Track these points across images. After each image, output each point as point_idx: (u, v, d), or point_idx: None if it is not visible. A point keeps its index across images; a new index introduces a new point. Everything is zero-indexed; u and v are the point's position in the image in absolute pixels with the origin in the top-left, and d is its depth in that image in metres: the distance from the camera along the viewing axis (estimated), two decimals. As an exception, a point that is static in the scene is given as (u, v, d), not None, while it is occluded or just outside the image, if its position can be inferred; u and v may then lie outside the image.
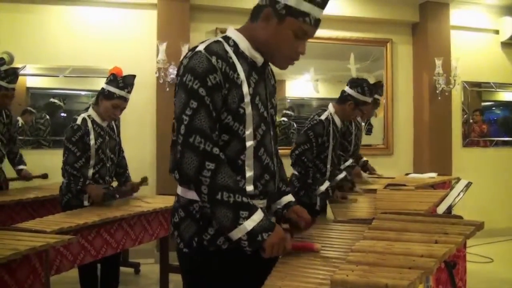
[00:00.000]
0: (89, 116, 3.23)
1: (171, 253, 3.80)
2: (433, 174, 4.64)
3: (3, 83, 3.64)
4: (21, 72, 4.58)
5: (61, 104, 4.99)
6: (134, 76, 3.34)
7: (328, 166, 3.29)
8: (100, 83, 4.85)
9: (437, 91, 5.61)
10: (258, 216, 1.46)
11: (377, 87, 4.17)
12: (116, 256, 3.30)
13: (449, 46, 5.79)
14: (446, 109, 5.80)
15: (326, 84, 5.72)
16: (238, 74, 1.52)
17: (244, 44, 1.58)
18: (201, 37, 5.20)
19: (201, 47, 1.51)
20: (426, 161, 5.74)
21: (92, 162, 3.21)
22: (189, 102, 1.46)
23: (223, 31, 5.36)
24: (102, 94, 3.23)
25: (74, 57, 4.85)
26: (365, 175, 4.33)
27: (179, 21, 4.99)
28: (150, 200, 3.45)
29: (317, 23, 1.56)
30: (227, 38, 1.58)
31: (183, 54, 4.81)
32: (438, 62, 5.51)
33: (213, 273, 1.57)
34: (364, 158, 4.66)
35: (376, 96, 4.19)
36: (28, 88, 4.86)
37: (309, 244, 1.62)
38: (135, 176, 3.66)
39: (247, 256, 1.52)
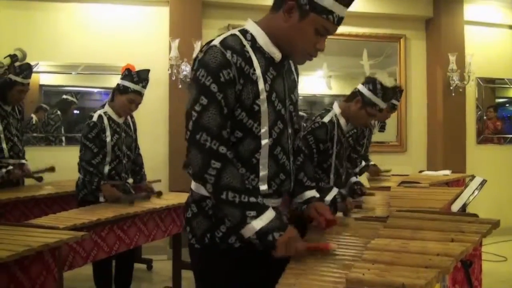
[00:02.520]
0: (105, 113, 3.25)
1: (184, 250, 3.80)
2: (447, 172, 4.60)
3: (19, 79, 3.67)
4: (34, 69, 4.58)
5: (74, 100, 5.01)
6: (148, 71, 3.35)
7: (331, 176, 2.73)
8: (112, 81, 4.90)
9: (451, 88, 5.55)
10: (268, 215, 1.44)
11: (396, 92, 3.96)
12: (130, 253, 3.32)
13: (463, 41, 5.73)
14: (460, 105, 5.74)
15: (339, 81, 5.69)
16: (254, 70, 1.48)
17: (262, 39, 1.53)
18: (213, 33, 5.15)
19: (216, 41, 1.47)
20: (440, 158, 5.68)
21: (108, 158, 3.24)
22: (199, 98, 1.43)
23: (235, 27, 5.28)
24: (117, 90, 3.25)
25: (87, 54, 4.88)
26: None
27: (192, 17, 5.00)
28: (164, 196, 3.45)
29: (340, 21, 1.52)
30: (244, 32, 1.54)
31: (196, 51, 4.81)
32: (452, 58, 5.45)
33: (224, 271, 1.56)
34: (372, 162, 4.58)
35: (394, 101, 4.03)
36: (41, 86, 4.90)
37: (324, 245, 1.57)
38: (149, 173, 3.67)
39: (258, 255, 1.51)
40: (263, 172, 1.53)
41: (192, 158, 1.43)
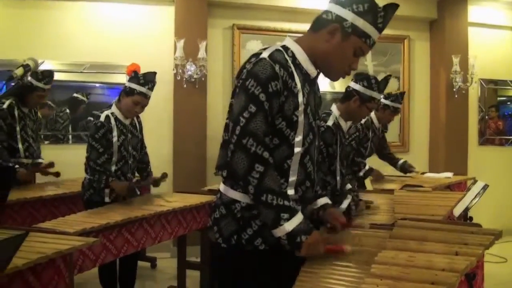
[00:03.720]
0: (112, 113, 3.29)
1: (188, 249, 3.85)
2: (449, 174, 4.63)
3: (40, 84, 3.85)
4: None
5: (84, 99, 5.03)
6: (154, 73, 3.38)
7: (338, 178, 2.77)
8: (117, 80, 4.94)
9: (454, 89, 5.57)
10: (297, 219, 1.56)
11: (388, 81, 4.04)
12: (133, 252, 3.36)
13: (466, 43, 5.74)
14: (462, 107, 5.77)
15: (342, 80, 5.69)
16: (295, 84, 1.61)
17: (301, 56, 1.68)
18: (218, 33, 5.22)
19: (265, 54, 1.60)
20: (442, 159, 5.72)
21: (114, 159, 3.28)
22: (248, 106, 1.55)
23: (240, 27, 5.42)
24: (124, 91, 3.29)
25: (92, 53, 4.89)
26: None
27: (197, 17, 5.01)
28: (169, 198, 3.50)
29: (373, 45, 1.69)
30: (286, 48, 1.67)
31: (201, 50, 4.85)
32: (456, 60, 5.48)
33: (247, 271, 1.66)
34: (402, 160, 4.66)
35: (396, 104, 4.17)
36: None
37: (340, 247, 1.70)
38: (154, 171, 3.72)
39: (282, 259, 1.64)
40: (292, 178, 1.66)
41: (237, 161, 1.54)
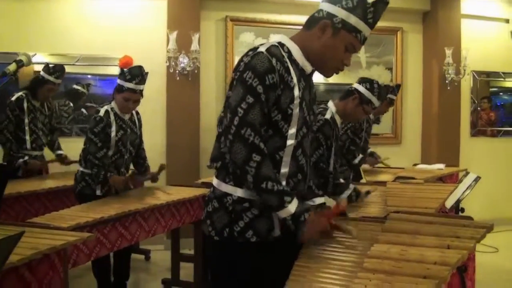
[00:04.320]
0: (112, 108, 3.31)
1: (182, 242, 3.87)
2: (441, 166, 4.67)
3: (51, 78, 4.02)
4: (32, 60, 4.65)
5: (85, 91, 5.00)
6: (140, 67, 3.30)
7: (331, 169, 2.86)
8: (109, 71, 4.93)
9: (447, 81, 5.60)
10: (296, 202, 1.62)
11: (388, 90, 4.17)
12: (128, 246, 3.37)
13: (459, 35, 5.76)
14: (455, 99, 5.80)
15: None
16: (291, 78, 1.65)
17: (296, 53, 1.72)
18: (211, 25, 5.21)
19: (262, 48, 1.64)
20: (434, 150, 5.76)
21: (110, 152, 3.30)
22: (246, 97, 1.58)
23: (233, 19, 5.40)
24: (116, 88, 3.30)
25: (85, 45, 4.86)
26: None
27: (190, 9, 4.99)
28: (163, 191, 3.52)
29: (364, 40, 1.72)
30: (282, 45, 1.71)
31: (194, 43, 4.84)
32: (448, 52, 5.50)
33: (240, 263, 1.69)
34: (370, 149, 4.67)
35: (391, 95, 4.27)
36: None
37: (335, 208, 1.73)
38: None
39: (273, 251, 1.68)
40: (284, 169, 1.69)
41: (236, 150, 1.58)
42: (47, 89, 4.06)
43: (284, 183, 1.67)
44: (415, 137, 6.01)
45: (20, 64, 2.02)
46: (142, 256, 4.72)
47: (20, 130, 4.02)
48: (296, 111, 1.66)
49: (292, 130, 1.67)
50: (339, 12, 1.66)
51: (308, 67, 1.74)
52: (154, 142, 4.93)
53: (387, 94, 3.09)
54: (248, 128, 1.57)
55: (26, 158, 3.96)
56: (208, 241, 1.76)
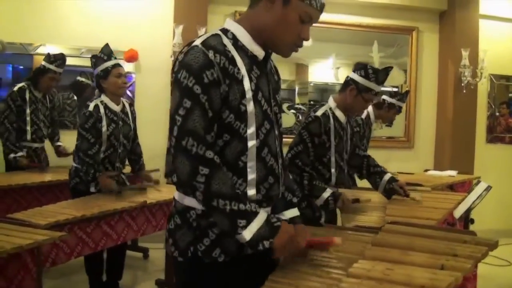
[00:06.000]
0: (101, 102, 3.22)
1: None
2: (453, 173, 4.47)
3: (52, 66, 4.01)
4: (36, 51, 4.66)
5: (89, 82, 4.93)
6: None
7: (333, 170, 2.78)
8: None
9: (462, 84, 5.38)
10: (257, 223, 1.38)
11: (388, 72, 3.96)
12: (121, 244, 3.27)
13: (477, 36, 5.54)
14: (471, 103, 5.58)
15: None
16: (238, 69, 1.43)
17: (244, 37, 1.48)
18: (219, 20, 5.06)
19: (197, 42, 1.42)
20: (448, 156, 5.55)
21: (103, 147, 3.22)
22: (182, 101, 1.37)
23: (242, 14, 5.18)
24: (98, 76, 3.26)
25: (90, 38, 4.77)
26: None
27: (197, 3, 4.88)
28: (158, 190, 3.40)
29: (322, 7, 1.49)
30: (225, 31, 1.48)
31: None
32: (465, 54, 5.28)
33: (208, 286, 1.50)
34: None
35: (400, 103, 4.15)
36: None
37: (328, 239, 1.52)
38: (148, 162, 3.63)
39: (244, 271, 1.48)
40: (251, 176, 1.48)
41: (179, 165, 1.36)
42: (49, 77, 4.03)
43: (254, 191, 1.48)
44: (428, 141, 5.80)
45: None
46: (141, 254, 4.64)
47: (21, 121, 4.01)
48: (251, 106, 1.44)
49: (251, 129, 1.45)
50: None
51: (259, 52, 1.50)
52: (157, 138, 4.79)
53: (387, 75, 2.86)
54: (189, 138, 1.35)
55: (19, 154, 3.92)
56: (173, 262, 1.56)
